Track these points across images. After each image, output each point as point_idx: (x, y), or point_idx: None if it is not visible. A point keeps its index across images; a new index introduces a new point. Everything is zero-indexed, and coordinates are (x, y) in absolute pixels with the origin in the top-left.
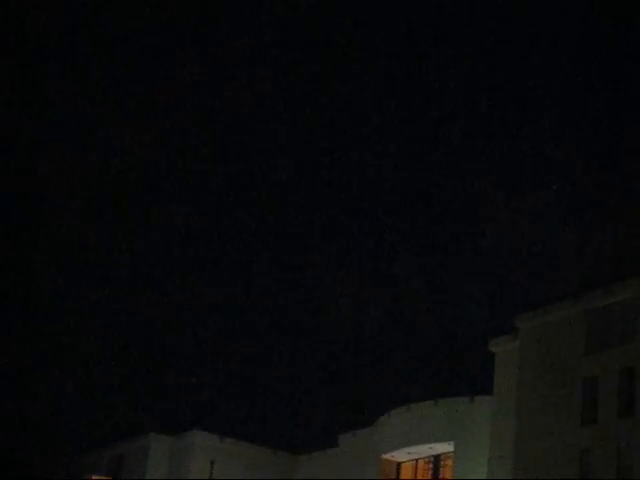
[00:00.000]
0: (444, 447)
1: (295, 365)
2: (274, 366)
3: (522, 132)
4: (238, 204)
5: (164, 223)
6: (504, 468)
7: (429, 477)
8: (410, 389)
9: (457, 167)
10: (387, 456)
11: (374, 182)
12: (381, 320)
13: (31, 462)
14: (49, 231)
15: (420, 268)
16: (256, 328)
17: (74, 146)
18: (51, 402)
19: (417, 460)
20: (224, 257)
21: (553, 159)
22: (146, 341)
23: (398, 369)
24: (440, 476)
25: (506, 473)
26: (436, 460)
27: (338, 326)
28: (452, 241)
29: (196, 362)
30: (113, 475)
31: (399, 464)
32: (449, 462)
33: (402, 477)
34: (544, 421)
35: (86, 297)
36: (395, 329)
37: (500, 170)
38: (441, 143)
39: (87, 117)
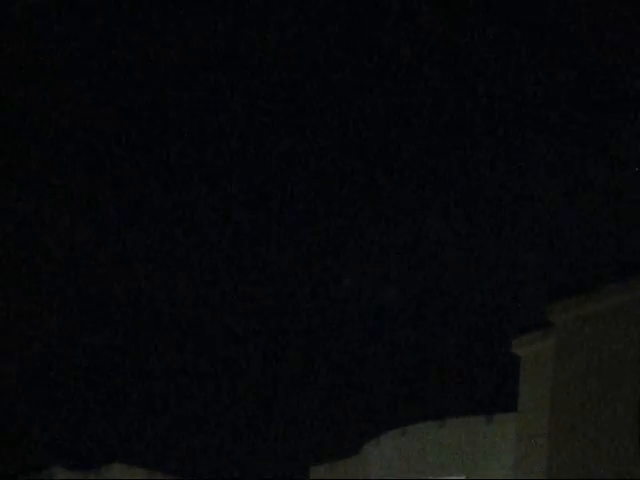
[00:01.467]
0: None
1: (252, 376)
2: (223, 379)
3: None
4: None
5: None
6: None
7: None
8: (406, 406)
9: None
10: None
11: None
12: (367, 312)
13: None
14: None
15: (435, 251)
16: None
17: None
18: None
19: None
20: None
21: None
22: (58, 364)
23: (390, 379)
24: None
25: None
26: None
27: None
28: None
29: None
30: None
31: None
32: None
33: None
34: (587, 446)
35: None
36: (386, 324)
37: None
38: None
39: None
